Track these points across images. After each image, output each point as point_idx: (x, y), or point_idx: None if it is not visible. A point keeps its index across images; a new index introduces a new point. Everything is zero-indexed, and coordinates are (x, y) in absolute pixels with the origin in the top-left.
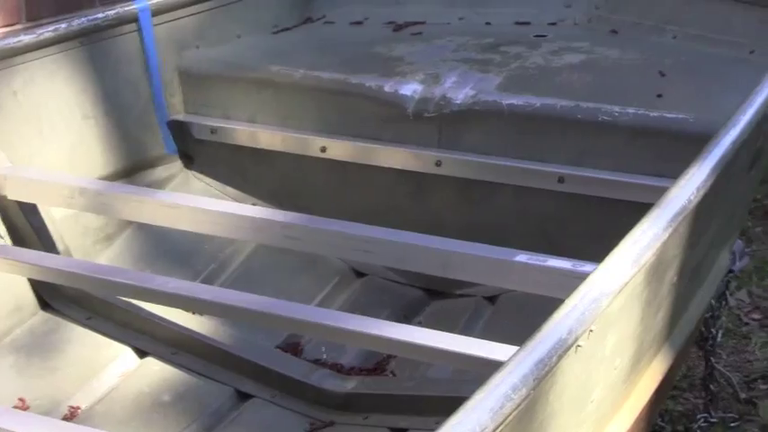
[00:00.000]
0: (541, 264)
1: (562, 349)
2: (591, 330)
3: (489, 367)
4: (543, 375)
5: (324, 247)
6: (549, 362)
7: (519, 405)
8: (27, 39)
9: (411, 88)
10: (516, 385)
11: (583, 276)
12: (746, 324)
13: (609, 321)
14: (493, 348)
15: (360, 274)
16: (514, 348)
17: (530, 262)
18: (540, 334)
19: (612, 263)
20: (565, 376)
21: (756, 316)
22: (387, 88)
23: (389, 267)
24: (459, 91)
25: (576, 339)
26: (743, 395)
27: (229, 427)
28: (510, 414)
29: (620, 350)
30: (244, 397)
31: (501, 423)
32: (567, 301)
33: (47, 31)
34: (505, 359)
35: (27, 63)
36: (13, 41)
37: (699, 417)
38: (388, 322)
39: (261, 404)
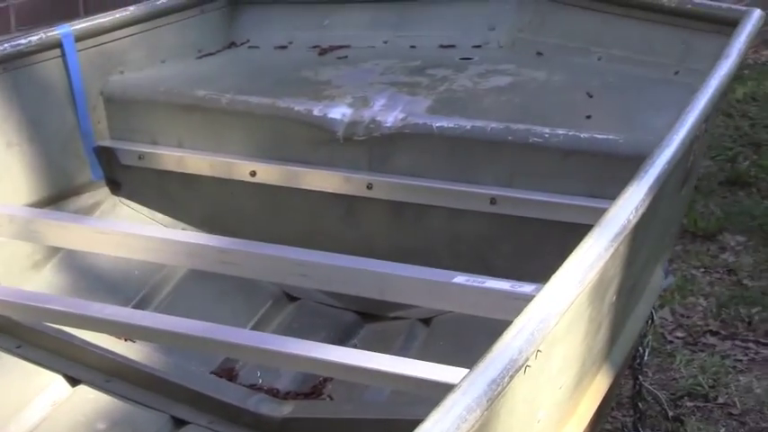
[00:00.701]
0: (480, 285)
1: (513, 369)
2: (539, 350)
3: (430, 388)
4: (496, 396)
5: (260, 272)
6: (501, 382)
7: (473, 426)
8: None
9: (340, 111)
10: (471, 406)
11: (521, 297)
12: (671, 342)
13: (555, 341)
14: (433, 369)
15: (293, 298)
16: (455, 369)
17: (468, 283)
18: (491, 354)
19: (557, 283)
20: (515, 396)
21: (680, 334)
22: (316, 112)
23: (323, 291)
24: (388, 114)
25: (527, 360)
26: (671, 413)
27: None
28: None
29: (565, 369)
30: (179, 423)
31: None
32: (515, 322)
33: None
34: (446, 380)
35: None
36: None
37: None
38: (325, 345)
39: (197, 430)
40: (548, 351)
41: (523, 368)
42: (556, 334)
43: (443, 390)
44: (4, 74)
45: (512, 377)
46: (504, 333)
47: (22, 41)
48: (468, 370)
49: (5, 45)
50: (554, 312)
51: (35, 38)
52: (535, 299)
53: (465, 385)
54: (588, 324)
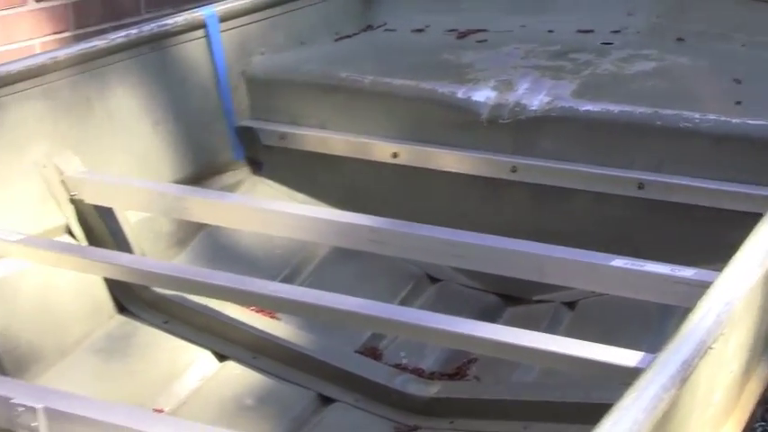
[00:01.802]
0: (639, 268)
1: (702, 350)
2: (722, 333)
3: (585, 367)
4: (687, 376)
5: (410, 251)
6: (691, 363)
7: (667, 405)
8: (101, 44)
9: (484, 94)
10: (666, 385)
11: (682, 281)
12: None
13: (734, 325)
14: (589, 348)
15: (434, 280)
16: (610, 348)
17: (627, 266)
18: (682, 335)
19: (738, 267)
20: (699, 378)
21: None
22: (459, 94)
23: (465, 273)
24: (533, 97)
25: (713, 341)
26: None
27: (314, 431)
28: (661, 413)
29: (737, 354)
30: (326, 401)
31: (653, 422)
32: (700, 304)
33: (119, 37)
34: (603, 359)
35: (100, 69)
36: (87, 46)
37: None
38: (475, 321)
39: (344, 408)
40: (727, 334)
41: (709, 350)
42: (735, 318)
43: (598, 369)
44: (151, 53)
45: (700, 358)
46: (691, 315)
47: (169, 22)
48: (624, 349)
49: (153, 25)
50: (737, 296)
51: (181, 18)
52: (718, 282)
53: (659, 365)
54: (761, 311)
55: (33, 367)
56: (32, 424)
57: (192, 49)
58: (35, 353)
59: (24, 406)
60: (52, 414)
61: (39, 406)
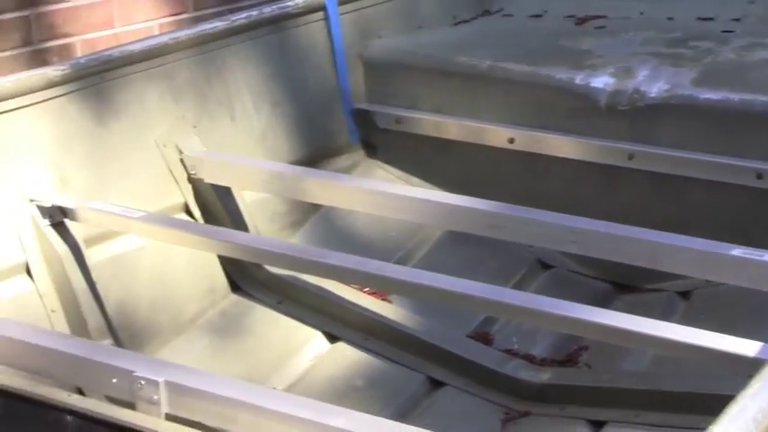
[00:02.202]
0: (759, 258)
1: None
2: None
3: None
4: None
5: (527, 237)
6: None
7: None
8: (221, 25)
9: (603, 81)
10: None
11: None
12: None
13: None
14: (707, 337)
15: (546, 266)
16: (732, 338)
17: (746, 256)
18: None
19: None
20: None
21: None
22: (578, 80)
23: (577, 260)
24: (652, 84)
25: None
26: None
27: (424, 414)
28: None
29: None
30: (436, 384)
31: None
32: None
33: (239, 18)
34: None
35: (221, 49)
36: (208, 27)
37: None
38: (590, 307)
39: (454, 392)
40: None
41: None
42: None
43: (715, 358)
44: (270, 35)
45: None
46: None
47: (289, 4)
48: (743, 339)
49: (273, 7)
50: None
51: (301, 1)
52: None
53: None
54: None
55: (149, 343)
56: (154, 397)
57: (311, 32)
58: (151, 329)
59: (146, 379)
60: (173, 387)
61: (160, 379)
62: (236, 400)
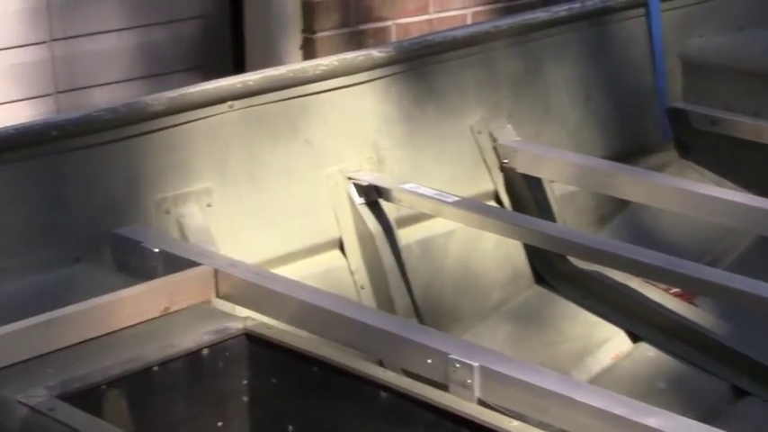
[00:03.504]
0: None
1: None
2: None
3: None
4: None
5: None
6: None
7: None
8: (543, 16)
9: None
10: None
11: None
12: None
13: None
14: None
15: None
16: None
17: None
18: None
19: None
20: None
21: None
22: None
23: None
24: None
25: None
26: None
27: (726, 424)
28: None
29: None
30: (740, 394)
31: None
32: None
33: (561, 11)
34: None
35: (540, 40)
36: (529, 18)
37: None
38: None
39: (758, 403)
40: None
41: None
42: None
43: None
44: (589, 28)
45: None
46: None
47: None
48: None
49: (595, 0)
50: None
51: None
52: None
53: None
54: None
55: (452, 327)
56: (467, 381)
57: (631, 27)
58: (454, 313)
59: (461, 362)
60: (487, 373)
61: (475, 364)
62: (550, 390)
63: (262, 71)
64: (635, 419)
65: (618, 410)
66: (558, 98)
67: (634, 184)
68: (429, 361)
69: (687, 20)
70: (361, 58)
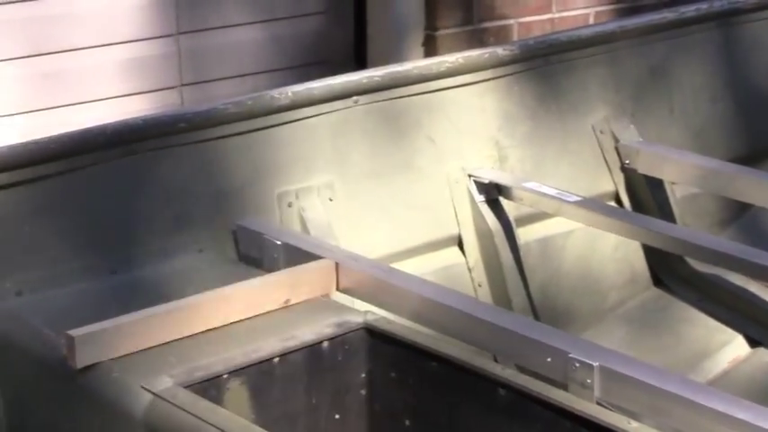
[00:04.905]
0: None
1: None
2: None
3: None
4: None
5: None
6: None
7: None
8: (670, 17)
9: None
10: None
11: None
12: None
13: None
14: None
15: None
16: None
17: None
18: None
19: None
20: None
21: None
22: None
23: None
24: None
25: None
26: None
27: None
28: None
29: None
30: None
31: None
32: None
33: (689, 11)
34: None
35: (665, 41)
36: (655, 18)
37: None
38: None
39: None
40: None
41: None
42: None
43: None
44: (716, 29)
45: None
46: None
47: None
48: None
49: (723, 1)
50: None
51: None
52: None
53: None
54: None
55: (568, 327)
56: (587, 380)
57: (759, 29)
58: (571, 313)
59: (581, 362)
60: (607, 373)
61: (595, 363)
62: (671, 392)
63: (387, 67)
64: (758, 424)
65: (740, 415)
66: (683, 99)
67: (757, 188)
68: (548, 359)
69: None
70: (486, 56)
